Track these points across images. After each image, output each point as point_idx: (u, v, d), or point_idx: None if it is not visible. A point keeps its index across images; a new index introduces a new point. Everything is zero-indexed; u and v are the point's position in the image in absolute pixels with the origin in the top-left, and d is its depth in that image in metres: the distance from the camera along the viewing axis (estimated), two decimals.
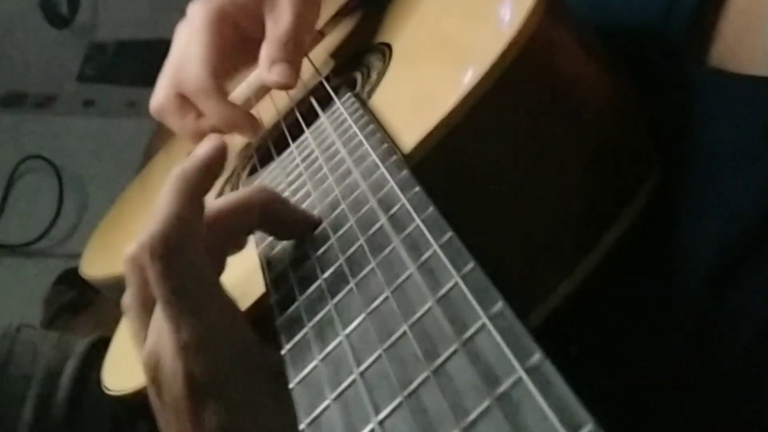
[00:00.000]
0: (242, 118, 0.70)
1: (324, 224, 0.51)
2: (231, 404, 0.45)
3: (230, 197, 0.52)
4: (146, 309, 0.49)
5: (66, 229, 1.90)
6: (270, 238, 0.54)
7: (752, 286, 0.52)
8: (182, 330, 0.46)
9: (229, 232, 0.52)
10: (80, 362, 0.80)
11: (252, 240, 0.55)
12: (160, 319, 0.47)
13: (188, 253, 0.47)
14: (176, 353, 0.46)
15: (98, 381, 0.62)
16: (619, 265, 0.53)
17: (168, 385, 0.46)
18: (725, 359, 0.52)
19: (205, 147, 0.52)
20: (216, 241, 0.51)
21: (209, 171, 0.51)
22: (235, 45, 0.72)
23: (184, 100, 0.71)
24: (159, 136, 1.09)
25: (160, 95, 0.72)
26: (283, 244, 0.53)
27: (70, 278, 1.73)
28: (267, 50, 0.69)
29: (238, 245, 0.54)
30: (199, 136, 0.71)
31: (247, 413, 0.45)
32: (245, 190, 0.53)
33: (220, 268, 0.52)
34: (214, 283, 0.49)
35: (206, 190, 0.51)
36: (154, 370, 0.47)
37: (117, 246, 0.77)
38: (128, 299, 0.51)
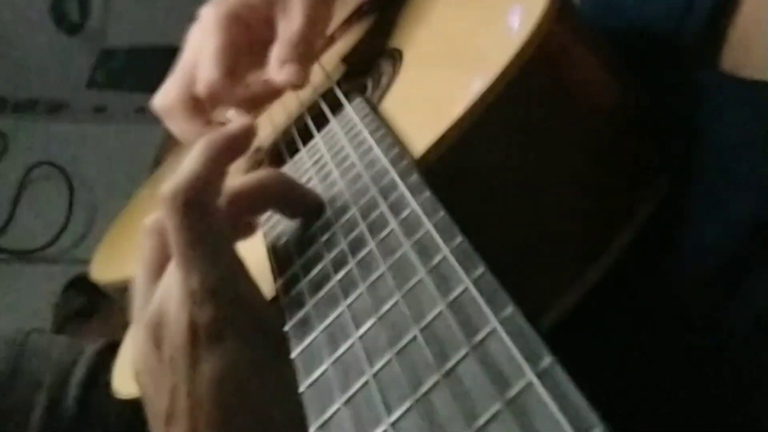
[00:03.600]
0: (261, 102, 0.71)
1: (334, 228, 0.51)
2: (229, 355, 0.47)
3: (245, 178, 0.55)
4: (156, 273, 0.52)
5: (76, 235, 1.90)
6: (280, 240, 0.54)
7: (757, 286, 0.52)
8: (192, 276, 0.48)
9: (244, 212, 0.54)
10: (90, 367, 0.80)
11: (261, 242, 0.56)
12: (170, 273, 0.50)
13: (207, 208, 0.50)
14: (183, 300, 0.48)
15: (108, 385, 0.62)
16: (628, 268, 0.54)
17: (170, 336, 0.48)
18: (732, 356, 0.53)
19: (235, 124, 0.54)
20: (231, 219, 0.53)
21: (236, 144, 0.53)
22: (246, 46, 0.72)
23: (194, 103, 0.71)
24: (169, 142, 1.09)
25: (170, 95, 0.72)
26: (293, 248, 0.53)
27: (80, 284, 1.74)
28: (277, 51, 0.69)
29: (251, 227, 0.57)
30: None
31: (245, 366, 0.47)
32: (258, 172, 0.55)
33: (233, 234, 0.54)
34: (228, 239, 0.51)
35: (230, 161, 0.53)
36: (157, 325, 0.49)
37: (127, 251, 0.77)
38: (139, 267, 0.53)
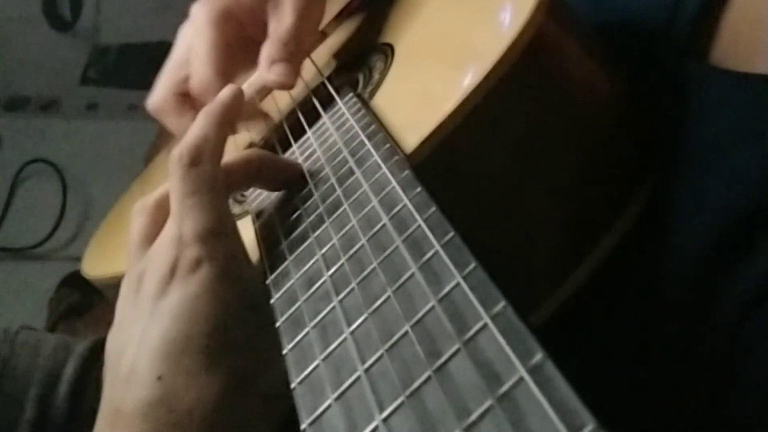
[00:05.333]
0: (252, 115, 0.71)
1: (326, 224, 0.51)
2: (197, 288, 0.50)
3: (231, 157, 0.58)
4: (146, 243, 0.55)
5: (69, 232, 1.90)
6: (270, 236, 0.54)
7: (743, 277, 0.52)
8: (185, 221, 0.52)
9: (232, 186, 0.58)
10: (80, 363, 0.80)
11: (253, 239, 0.56)
12: (164, 230, 0.54)
13: (209, 164, 0.54)
14: (171, 241, 0.52)
15: (99, 381, 0.62)
16: (618, 262, 0.54)
17: (150, 274, 0.52)
18: (715, 346, 0.53)
19: (225, 92, 0.60)
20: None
21: (233, 107, 0.59)
22: (238, 44, 0.72)
23: (184, 99, 0.71)
24: (161, 139, 1.09)
25: (160, 93, 0.72)
26: (286, 244, 0.53)
27: (74, 281, 1.73)
28: (267, 50, 0.69)
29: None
30: None
31: (208, 303, 0.50)
32: (240, 153, 0.60)
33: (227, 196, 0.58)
34: (225, 198, 0.55)
35: (230, 125, 0.59)
36: (142, 272, 0.52)
37: (118, 246, 0.77)
38: (129, 246, 0.56)
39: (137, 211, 0.57)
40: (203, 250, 0.51)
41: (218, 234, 0.52)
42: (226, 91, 0.60)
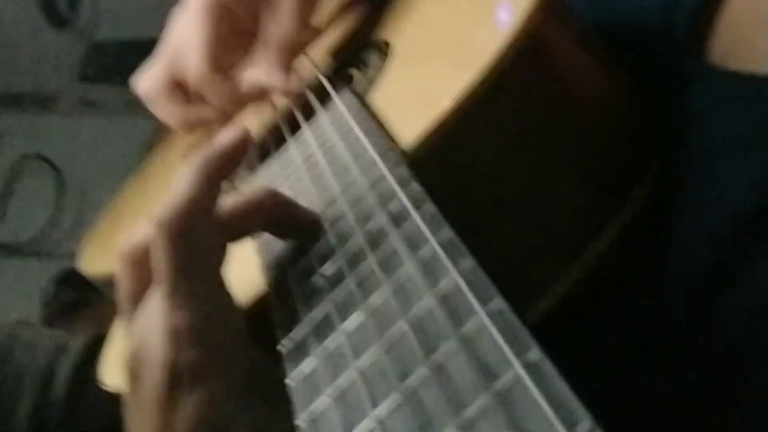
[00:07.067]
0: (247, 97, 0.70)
1: (321, 219, 0.51)
2: (210, 395, 0.44)
3: (240, 197, 0.51)
4: (135, 301, 0.49)
5: (65, 228, 1.90)
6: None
7: (745, 284, 0.52)
8: (178, 313, 0.45)
9: (236, 232, 0.51)
10: (77, 359, 0.80)
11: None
12: (152, 305, 0.47)
13: (199, 236, 0.47)
14: (165, 338, 0.45)
15: (96, 377, 0.62)
16: (617, 261, 0.53)
17: (148, 375, 0.45)
18: (716, 350, 0.53)
19: (229, 135, 0.51)
20: (222, 237, 0.50)
21: (231, 158, 0.51)
22: (232, 35, 0.72)
23: (177, 88, 0.71)
24: (159, 135, 1.09)
25: (154, 79, 0.72)
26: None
27: (70, 278, 1.73)
28: (269, 55, 0.69)
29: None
30: (186, 125, 0.71)
31: (226, 404, 0.44)
32: (255, 190, 0.52)
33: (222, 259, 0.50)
34: (217, 271, 0.48)
35: (225, 177, 0.50)
36: (135, 360, 0.46)
37: (115, 242, 0.77)
38: (119, 294, 0.50)
39: (120, 257, 0.50)
40: (204, 356, 0.45)
41: (216, 323, 0.46)
42: (225, 138, 0.51)
